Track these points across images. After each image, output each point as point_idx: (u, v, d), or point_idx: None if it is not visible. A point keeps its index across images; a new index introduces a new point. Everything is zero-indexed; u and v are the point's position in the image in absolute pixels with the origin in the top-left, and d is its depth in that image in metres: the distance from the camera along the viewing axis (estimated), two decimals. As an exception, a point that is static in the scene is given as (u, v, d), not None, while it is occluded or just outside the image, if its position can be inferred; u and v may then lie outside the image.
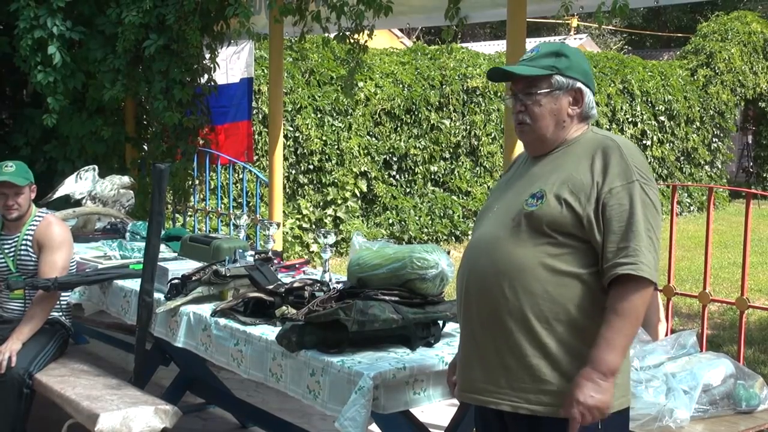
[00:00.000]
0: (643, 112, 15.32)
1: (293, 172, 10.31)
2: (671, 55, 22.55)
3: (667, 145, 15.87)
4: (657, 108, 15.59)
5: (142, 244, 4.31)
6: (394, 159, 11.54)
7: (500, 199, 2.48)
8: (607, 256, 2.25)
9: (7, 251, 4.30)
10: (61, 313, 4.38)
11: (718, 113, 16.74)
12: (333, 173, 10.63)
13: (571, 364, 2.28)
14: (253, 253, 4.25)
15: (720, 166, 17.16)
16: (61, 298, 4.36)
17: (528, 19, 4.67)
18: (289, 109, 10.13)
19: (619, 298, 2.23)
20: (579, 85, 2.42)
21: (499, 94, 12.48)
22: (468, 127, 12.41)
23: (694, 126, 16.41)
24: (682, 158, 16.30)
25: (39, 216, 4.37)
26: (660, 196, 2.51)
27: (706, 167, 16.83)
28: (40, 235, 4.28)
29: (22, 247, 4.29)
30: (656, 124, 15.59)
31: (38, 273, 4.22)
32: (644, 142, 15.27)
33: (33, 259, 4.29)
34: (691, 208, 15.80)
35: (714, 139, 16.89)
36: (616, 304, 2.22)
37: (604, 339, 2.22)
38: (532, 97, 2.40)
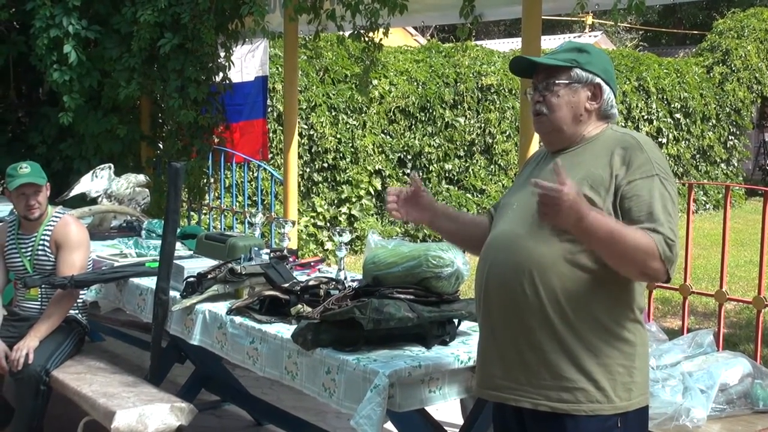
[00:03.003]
0: (659, 110, 15.24)
1: (308, 170, 10.32)
2: (687, 52, 22.42)
3: (683, 142, 15.78)
4: (673, 105, 15.50)
5: (158, 242, 4.32)
6: (409, 157, 11.53)
7: (519, 196, 2.47)
8: None
9: (24, 251, 4.32)
10: (77, 311, 4.40)
11: (735, 110, 16.63)
12: (347, 171, 10.64)
13: (592, 361, 2.28)
14: (268, 251, 4.25)
15: (736, 164, 17.04)
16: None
17: (543, 17, 4.66)
18: (304, 107, 10.14)
19: (640, 233, 2.17)
20: (598, 80, 2.42)
21: (513, 91, 12.45)
22: (482, 125, 12.38)
23: (710, 123, 16.30)
24: (697, 156, 16.20)
25: (56, 216, 4.38)
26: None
27: (722, 165, 16.72)
28: (57, 235, 4.29)
29: (40, 247, 4.29)
30: (672, 122, 15.51)
31: (56, 273, 4.23)
32: (660, 139, 15.18)
33: (51, 259, 4.29)
34: (707, 206, 15.69)
35: (730, 137, 16.78)
36: (637, 231, 2.17)
37: (607, 216, 2.19)
38: (551, 87, 2.41)
